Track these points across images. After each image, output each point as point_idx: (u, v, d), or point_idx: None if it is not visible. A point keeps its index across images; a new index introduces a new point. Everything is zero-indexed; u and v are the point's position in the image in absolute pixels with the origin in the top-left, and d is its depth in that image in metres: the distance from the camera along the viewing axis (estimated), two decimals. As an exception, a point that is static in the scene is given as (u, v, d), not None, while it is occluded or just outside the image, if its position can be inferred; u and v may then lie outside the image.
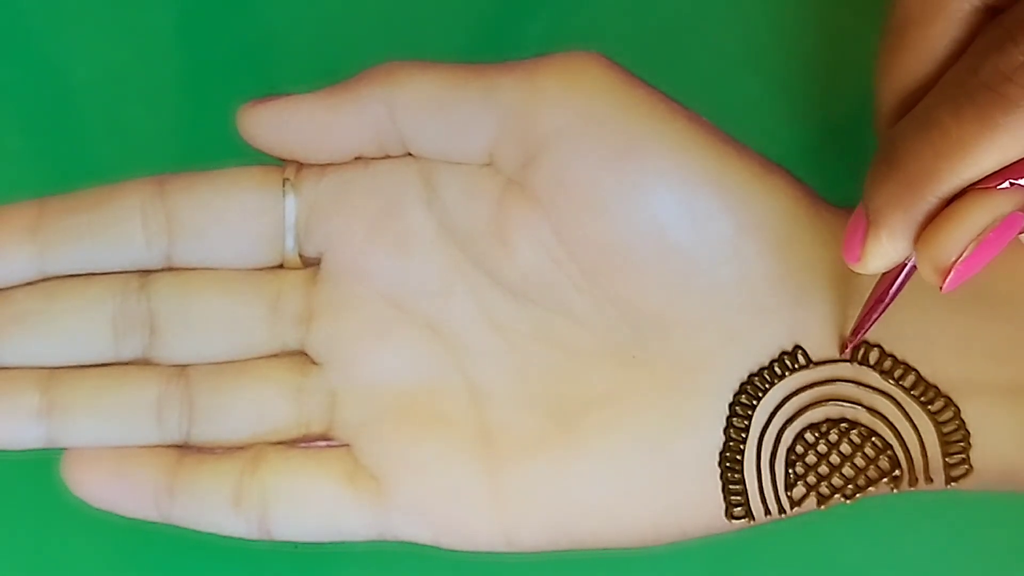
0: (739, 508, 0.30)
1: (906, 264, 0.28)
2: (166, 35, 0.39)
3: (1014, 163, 0.24)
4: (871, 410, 0.30)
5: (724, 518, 0.31)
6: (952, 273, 0.25)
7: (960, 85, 0.24)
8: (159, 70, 0.39)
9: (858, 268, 0.27)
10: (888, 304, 0.29)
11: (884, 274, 0.29)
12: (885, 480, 0.30)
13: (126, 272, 0.33)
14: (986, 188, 0.25)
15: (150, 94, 0.39)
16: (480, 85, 0.31)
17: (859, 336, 0.30)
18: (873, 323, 0.30)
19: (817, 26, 0.38)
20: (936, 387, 0.30)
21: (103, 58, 0.39)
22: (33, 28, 0.39)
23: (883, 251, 0.27)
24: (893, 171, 0.25)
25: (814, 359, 0.31)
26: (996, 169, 0.25)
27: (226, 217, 0.32)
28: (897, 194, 0.26)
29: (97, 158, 0.39)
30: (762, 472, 0.31)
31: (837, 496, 0.30)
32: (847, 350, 0.30)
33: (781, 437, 0.31)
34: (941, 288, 0.26)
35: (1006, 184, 0.25)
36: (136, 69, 0.39)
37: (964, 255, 0.25)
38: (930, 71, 0.26)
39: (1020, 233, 0.25)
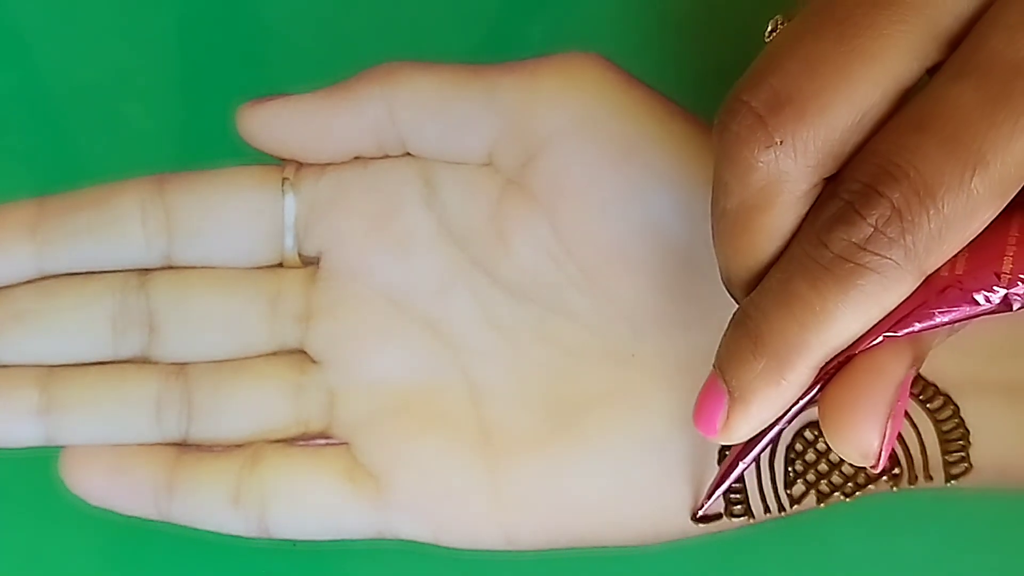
0: (739, 506, 0.30)
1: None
2: (166, 35, 0.39)
3: (880, 321, 0.25)
4: (870, 408, 0.30)
5: (724, 516, 0.31)
6: (883, 453, 0.25)
7: (813, 257, 0.24)
8: (159, 70, 0.39)
9: (720, 440, 0.27)
10: (749, 464, 0.29)
11: None
12: (884, 478, 0.30)
13: (125, 271, 0.33)
14: (873, 351, 0.25)
15: (150, 94, 0.38)
16: (479, 85, 0.31)
17: (712, 498, 0.30)
18: (731, 483, 0.30)
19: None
20: (935, 386, 0.30)
21: (102, 58, 0.39)
22: (33, 27, 0.39)
23: (752, 424, 0.26)
24: (759, 347, 0.25)
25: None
26: (860, 333, 0.25)
27: (225, 216, 0.32)
28: (767, 370, 0.25)
29: (96, 157, 0.39)
30: (761, 470, 0.31)
31: (837, 494, 0.30)
32: (702, 508, 0.30)
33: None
34: (876, 467, 0.26)
35: (880, 339, 0.25)
36: (136, 68, 0.39)
37: (887, 437, 0.25)
38: (776, 248, 0.26)
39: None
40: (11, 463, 0.33)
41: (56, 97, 0.39)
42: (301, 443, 0.32)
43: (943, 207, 0.23)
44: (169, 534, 0.32)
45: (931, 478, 0.30)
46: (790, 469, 0.30)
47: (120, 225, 0.32)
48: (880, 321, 0.25)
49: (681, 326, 0.31)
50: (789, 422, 0.27)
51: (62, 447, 0.32)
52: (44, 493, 0.33)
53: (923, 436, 0.30)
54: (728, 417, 0.26)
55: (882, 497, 0.30)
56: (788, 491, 0.30)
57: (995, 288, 0.24)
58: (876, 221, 0.23)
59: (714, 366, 0.27)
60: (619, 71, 0.31)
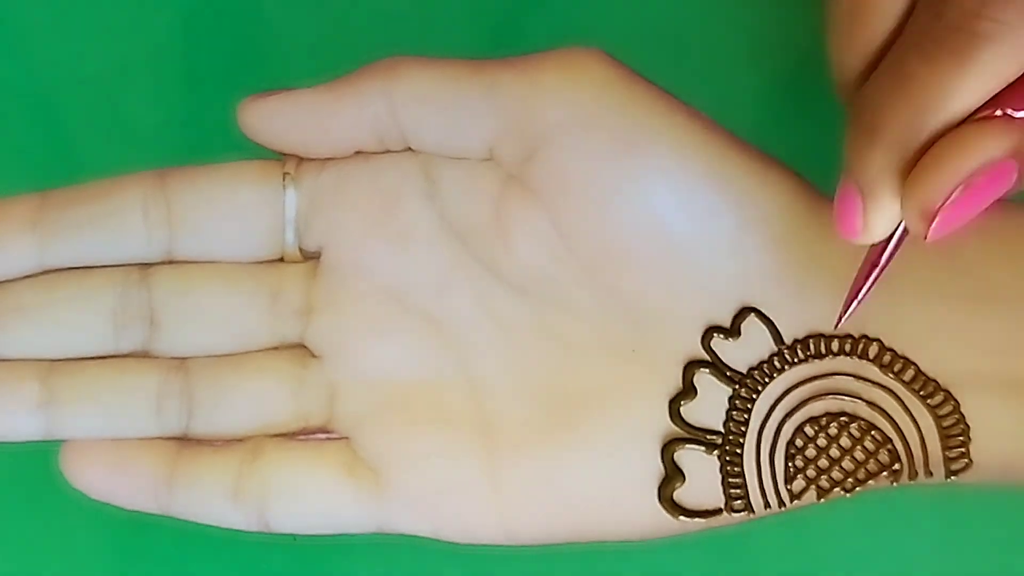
0: (739, 501, 0.30)
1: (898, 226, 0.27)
2: (167, 29, 0.39)
3: (1004, 92, 0.23)
4: (871, 404, 0.30)
5: (723, 511, 0.31)
6: (938, 218, 0.24)
7: (925, 33, 0.23)
8: (160, 64, 0.39)
9: (861, 240, 0.26)
10: (883, 268, 0.29)
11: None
12: (885, 474, 0.30)
13: (126, 265, 0.33)
14: (980, 120, 0.24)
15: (151, 88, 0.39)
16: (481, 81, 0.31)
17: (854, 305, 0.29)
18: (869, 290, 0.29)
19: (817, 22, 0.39)
20: (936, 381, 0.30)
21: (105, 52, 0.39)
22: (35, 22, 0.40)
23: (888, 217, 0.26)
24: (877, 136, 0.25)
25: (813, 353, 0.31)
26: (979, 105, 0.24)
27: (226, 211, 0.32)
28: (888, 158, 0.25)
29: (98, 152, 0.39)
30: (762, 465, 0.31)
31: (837, 489, 0.30)
32: (842, 320, 0.30)
33: (781, 430, 0.31)
34: (925, 237, 0.25)
35: (999, 113, 0.24)
36: (137, 63, 0.39)
37: (951, 198, 0.24)
38: (891, 28, 0.25)
39: (1010, 188, 0.25)
40: (11, 457, 0.33)
41: (58, 92, 0.39)
42: (301, 437, 0.32)
43: None
44: (169, 528, 0.32)
45: (931, 474, 0.30)
46: (790, 465, 0.30)
47: (121, 219, 0.32)
48: (997, 95, 0.23)
49: (682, 321, 0.31)
50: None
51: (63, 441, 0.32)
52: (44, 487, 0.33)
53: (923, 431, 0.30)
54: (865, 216, 0.26)
55: (882, 493, 0.30)
56: (788, 486, 0.30)
57: None
58: None
59: (844, 171, 0.26)
60: (620, 66, 0.31)
